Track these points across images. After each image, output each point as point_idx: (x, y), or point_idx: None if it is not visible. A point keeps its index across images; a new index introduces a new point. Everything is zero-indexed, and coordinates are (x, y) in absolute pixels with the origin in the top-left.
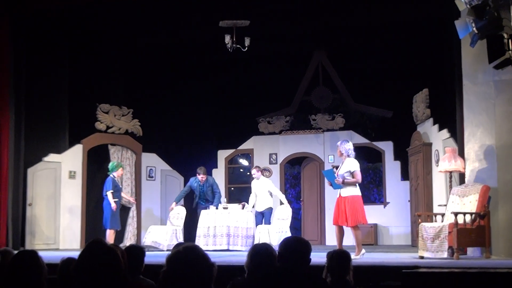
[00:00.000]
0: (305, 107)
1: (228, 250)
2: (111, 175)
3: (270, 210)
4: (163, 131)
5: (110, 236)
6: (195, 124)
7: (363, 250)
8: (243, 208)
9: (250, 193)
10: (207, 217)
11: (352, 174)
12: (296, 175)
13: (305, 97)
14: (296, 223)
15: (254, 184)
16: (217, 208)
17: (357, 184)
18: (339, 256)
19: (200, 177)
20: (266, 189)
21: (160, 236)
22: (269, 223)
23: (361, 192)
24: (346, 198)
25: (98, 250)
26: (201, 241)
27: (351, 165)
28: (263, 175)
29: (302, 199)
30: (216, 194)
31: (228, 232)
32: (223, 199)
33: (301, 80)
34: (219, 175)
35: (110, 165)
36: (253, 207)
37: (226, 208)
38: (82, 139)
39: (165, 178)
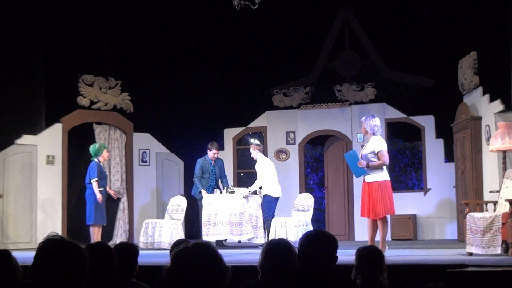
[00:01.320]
0: (328, 75)
1: (229, 244)
2: (95, 160)
3: (265, 197)
4: (158, 107)
5: (95, 233)
6: (197, 98)
7: (387, 248)
8: (245, 197)
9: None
10: (210, 204)
11: (376, 155)
12: (319, 158)
13: (328, 64)
14: (319, 215)
15: None
16: (221, 192)
17: (384, 168)
18: (370, 254)
19: (212, 153)
20: (259, 171)
21: (158, 233)
22: (266, 214)
23: (396, 177)
24: (372, 185)
25: (52, 249)
26: (203, 231)
27: (375, 145)
28: (262, 153)
29: (325, 186)
30: (225, 179)
31: (233, 220)
32: (230, 182)
33: (323, 44)
34: (226, 159)
35: (91, 149)
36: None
37: (233, 192)
38: (62, 117)
39: (161, 163)
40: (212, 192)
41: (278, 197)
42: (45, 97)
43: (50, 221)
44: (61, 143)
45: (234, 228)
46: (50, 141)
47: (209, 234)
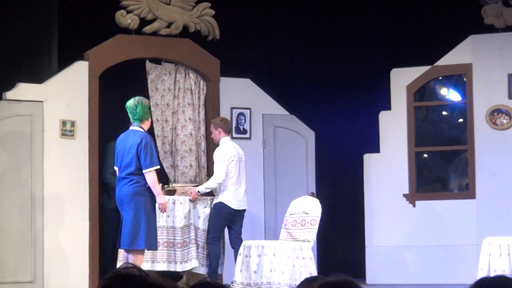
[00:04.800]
0: None
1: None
2: (137, 127)
3: (215, 207)
4: (266, 31)
5: (139, 261)
6: (339, 14)
7: None
8: (192, 201)
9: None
10: None
11: None
12: None
13: None
14: None
15: None
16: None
17: None
18: None
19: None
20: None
21: (267, 265)
22: (211, 233)
23: None
24: None
25: None
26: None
27: None
28: (228, 135)
29: None
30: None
31: (172, 238)
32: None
33: None
34: (393, 125)
35: (133, 106)
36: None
37: (173, 192)
38: (88, 50)
39: (273, 134)
40: None
41: (237, 211)
42: (57, 14)
43: (69, 241)
44: (86, 98)
45: (172, 252)
46: (67, 95)
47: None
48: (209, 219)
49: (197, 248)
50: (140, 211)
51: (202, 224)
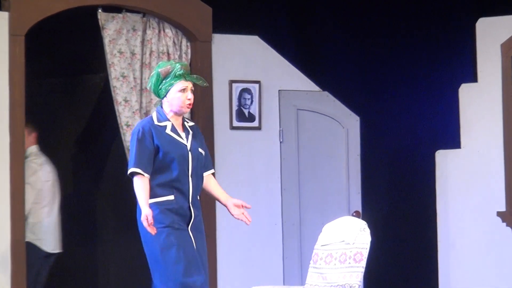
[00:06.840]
0: None
1: None
2: (158, 108)
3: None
4: None
5: None
6: None
7: None
8: None
9: None
10: None
11: None
12: None
13: None
14: None
15: None
16: None
17: None
18: None
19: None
20: None
21: None
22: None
23: None
24: None
25: None
26: None
27: None
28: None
29: None
30: None
31: None
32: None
33: None
34: (480, 105)
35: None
36: None
37: None
38: None
39: (295, 122)
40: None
41: (54, 255)
42: None
43: None
44: (6, 69)
45: None
46: None
47: None
48: None
49: None
50: (146, 242)
51: None
